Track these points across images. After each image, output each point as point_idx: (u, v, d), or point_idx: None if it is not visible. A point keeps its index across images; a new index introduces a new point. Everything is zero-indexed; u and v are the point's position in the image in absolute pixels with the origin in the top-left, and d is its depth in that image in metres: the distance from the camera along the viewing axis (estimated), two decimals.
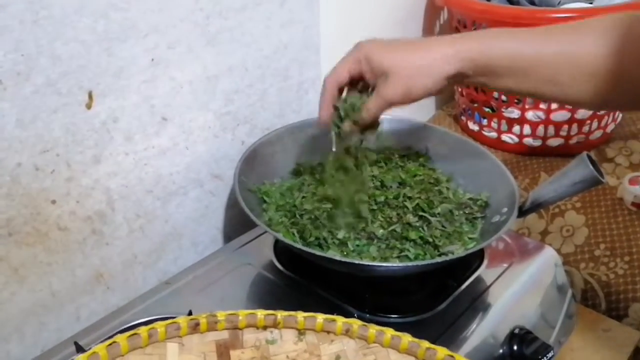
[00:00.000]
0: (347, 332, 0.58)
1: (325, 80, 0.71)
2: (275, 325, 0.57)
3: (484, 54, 0.64)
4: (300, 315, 0.58)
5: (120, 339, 0.51)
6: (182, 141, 0.80)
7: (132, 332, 0.52)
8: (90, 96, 0.68)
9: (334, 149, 0.75)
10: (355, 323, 0.58)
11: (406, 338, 0.57)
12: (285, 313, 0.58)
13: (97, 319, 0.73)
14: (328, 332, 0.58)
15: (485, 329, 0.72)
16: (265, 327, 0.57)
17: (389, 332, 0.57)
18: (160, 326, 0.53)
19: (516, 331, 0.73)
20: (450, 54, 0.64)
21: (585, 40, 0.61)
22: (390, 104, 0.68)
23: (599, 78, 0.60)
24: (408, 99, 0.67)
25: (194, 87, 0.79)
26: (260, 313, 0.57)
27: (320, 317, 0.58)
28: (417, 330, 0.69)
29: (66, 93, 0.66)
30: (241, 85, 0.85)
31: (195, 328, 0.55)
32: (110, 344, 0.50)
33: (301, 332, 0.58)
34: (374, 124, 0.73)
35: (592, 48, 0.61)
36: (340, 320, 0.58)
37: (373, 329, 0.57)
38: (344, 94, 0.72)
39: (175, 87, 0.77)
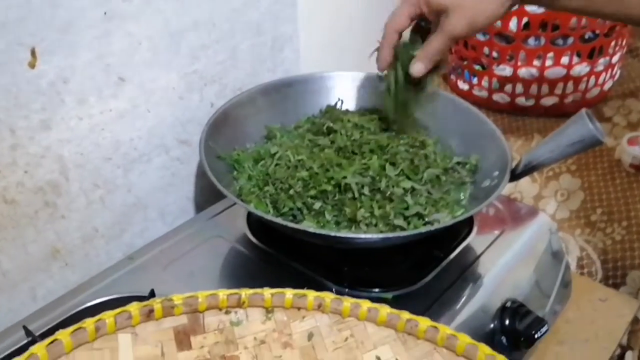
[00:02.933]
0: (320, 307, 0.53)
1: (385, 25, 0.71)
2: (239, 305, 0.52)
3: None
4: (267, 292, 0.52)
5: (63, 335, 0.45)
6: (143, 103, 0.73)
7: (76, 326, 0.46)
8: (33, 53, 0.61)
9: (389, 95, 0.75)
10: (328, 297, 0.53)
11: (384, 310, 0.53)
12: (250, 291, 0.52)
13: (55, 299, 0.67)
14: (299, 309, 0.54)
15: (475, 303, 0.67)
16: (228, 308, 0.52)
17: (365, 304, 0.53)
18: (108, 317, 0.47)
19: (508, 304, 0.68)
20: None
21: None
22: (454, 39, 0.66)
23: None
24: (473, 30, 0.65)
25: (155, 44, 0.71)
26: (222, 293, 0.51)
27: (290, 293, 0.53)
28: (400, 305, 0.64)
29: (4, 49, 0.58)
30: (208, 41, 0.77)
31: (149, 315, 0.49)
32: (50, 343, 0.45)
33: (269, 311, 0.53)
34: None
35: None
36: (311, 295, 0.53)
37: (347, 302, 0.53)
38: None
39: (133, 43, 0.69)
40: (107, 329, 0.47)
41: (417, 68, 0.69)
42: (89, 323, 0.47)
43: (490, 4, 0.63)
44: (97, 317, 0.47)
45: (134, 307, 0.49)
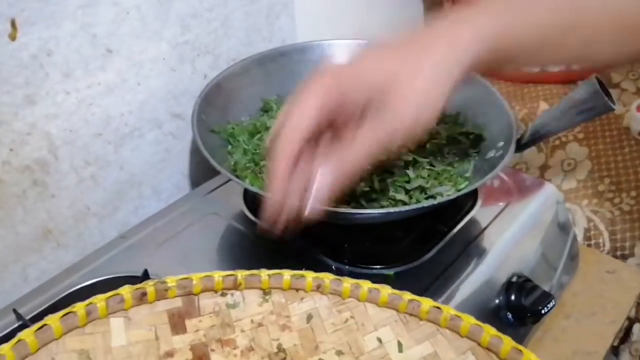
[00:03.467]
0: (319, 288, 0.51)
1: (278, 132, 0.45)
2: (235, 286, 0.50)
3: (509, 30, 0.47)
4: (264, 273, 0.50)
5: (52, 320, 0.43)
6: (133, 76, 0.70)
7: (65, 310, 0.44)
8: (13, 25, 0.58)
9: None
10: (327, 277, 0.51)
11: (385, 290, 0.50)
12: (247, 272, 0.50)
13: (46, 280, 0.65)
14: (297, 290, 0.51)
15: (479, 278, 0.65)
16: (224, 290, 0.50)
17: (366, 284, 0.51)
18: (99, 300, 0.45)
19: (514, 279, 0.66)
20: (466, 39, 0.45)
21: None
22: (390, 141, 0.44)
23: None
24: (417, 125, 0.44)
25: (143, 13, 0.68)
26: (218, 275, 0.49)
27: (287, 274, 0.51)
28: (403, 282, 0.62)
29: None
30: (199, 9, 0.74)
31: (141, 299, 0.47)
32: (39, 328, 0.43)
33: (266, 292, 0.51)
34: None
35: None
36: (310, 276, 0.51)
37: (347, 283, 0.51)
38: None
39: (120, 13, 0.66)
40: (98, 313, 0.45)
41: (313, 208, 0.44)
42: (79, 307, 0.45)
43: (442, 83, 0.44)
44: (88, 301, 0.45)
45: (126, 290, 0.47)
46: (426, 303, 0.50)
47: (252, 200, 0.72)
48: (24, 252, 0.66)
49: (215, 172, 0.77)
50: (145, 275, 0.60)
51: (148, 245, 0.67)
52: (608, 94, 0.61)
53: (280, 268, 0.52)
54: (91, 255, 0.67)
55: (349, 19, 1.01)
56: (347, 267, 0.63)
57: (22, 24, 0.58)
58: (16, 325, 0.57)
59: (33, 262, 0.67)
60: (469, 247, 0.68)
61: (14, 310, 0.57)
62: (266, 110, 0.77)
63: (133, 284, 0.55)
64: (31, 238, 0.66)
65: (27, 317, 0.57)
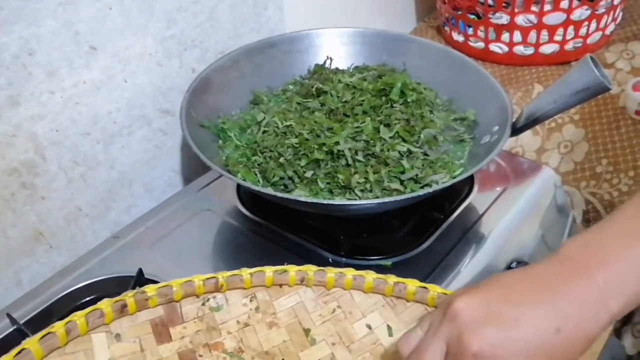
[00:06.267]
0: (303, 282, 0.51)
1: None
2: (217, 289, 0.49)
3: None
4: (246, 272, 0.50)
5: (31, 343, 0.42)
6: (119, 73, 0.68)
7: (44, 332, 0.43)
8: None
9: None
10: (310, 270, 0.51)
11: (370, 276, 0.50)
12: (228, 273, 0.50)
13: (39, 284, 0.64)
14: (281, 286, 0.51)
15: (478, 265, 0.65)
16: (206, 294, 0.49)
17: (349, 272, 0.51)
18: (78, 317, 0.44)
19: (513, 265, 0.65)
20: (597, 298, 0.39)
21: None
22: None
23: None
24: None
25: (126, 8, 0.67)
26: (198, 279, 0.49)
27: (269, 271, 0.50)
28: (401, 272, 0.61)
29: None
30: (184, 2, 0.72)
31: (122, 311, 0.46)
32: (18, 353, 0.42)
33: (249, 292, 0.50)
34: None
35: None
36: (292, 270, 0.51)
37: (331, 273, 0.51)
38: None
39: (102, 8, 0.65)
40: (78, 330, 0.44)
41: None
42: (58, 327, 0.44)
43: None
44: (67, 319, 0.44)
45: (105, 304, 0.46)
46: (412, 284, 0.50)
47: (247, 195, 0.71)
48: (15, 256, 0.65)
49: (208, 168, 0.76)
50: (140, 275, 0.59)
51: (142, 245, 0.66)
52: (602, 73, 0.59)
53: (277, 262, 0.52)
54: (84, 256, 0.66)
55: (336, 7, 0.99)
56: (344, 259, 0.62)
57: (2, 24, 0.57)
58: (11, 329, 0.56)
59: (25, 266, 0.66)
60: (467, 234, 0.67)
61: (8, 315, 0.56)
62: (256, 102, 0.76)
63: (128, 284, 0.54)
64: (22, 241, 0.65)
65: (22, 322, 0.56)
